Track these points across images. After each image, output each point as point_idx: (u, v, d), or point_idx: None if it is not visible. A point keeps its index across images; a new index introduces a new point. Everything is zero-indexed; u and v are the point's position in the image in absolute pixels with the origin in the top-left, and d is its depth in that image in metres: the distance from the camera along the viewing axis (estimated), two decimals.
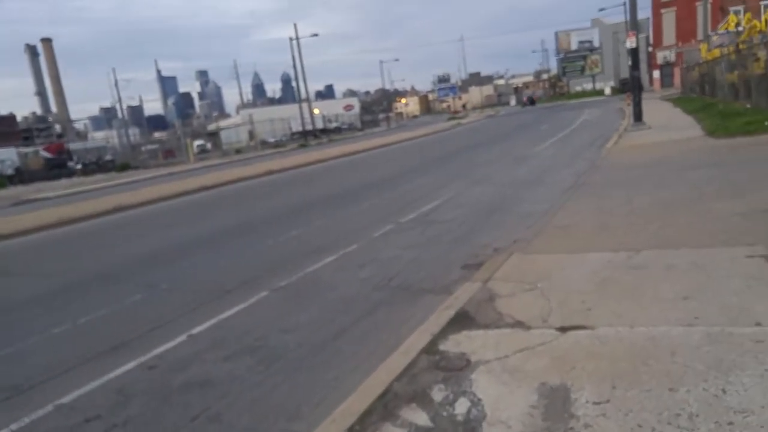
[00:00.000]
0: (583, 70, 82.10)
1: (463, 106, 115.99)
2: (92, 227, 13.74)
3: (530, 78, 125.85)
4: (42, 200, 24.05)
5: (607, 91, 69.73)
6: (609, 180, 9.96)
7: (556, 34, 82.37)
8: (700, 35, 41.68)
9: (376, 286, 6.21)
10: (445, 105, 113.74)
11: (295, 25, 53.66)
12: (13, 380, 4.83)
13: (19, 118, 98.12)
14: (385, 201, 11.88)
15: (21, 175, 38.95)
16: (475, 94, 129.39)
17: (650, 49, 59.20)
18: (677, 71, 50.54)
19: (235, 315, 5.86)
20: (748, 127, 13.36)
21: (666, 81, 55.19)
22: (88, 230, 13.41)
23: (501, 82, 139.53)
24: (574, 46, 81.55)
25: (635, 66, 19.51)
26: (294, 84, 59.76)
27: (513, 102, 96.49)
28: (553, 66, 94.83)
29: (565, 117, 34.28)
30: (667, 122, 19.53)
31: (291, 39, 53.69)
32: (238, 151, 50.90)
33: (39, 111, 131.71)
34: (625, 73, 55.61)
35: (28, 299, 7.64)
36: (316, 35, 55.88)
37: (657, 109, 27.13)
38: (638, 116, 19.58)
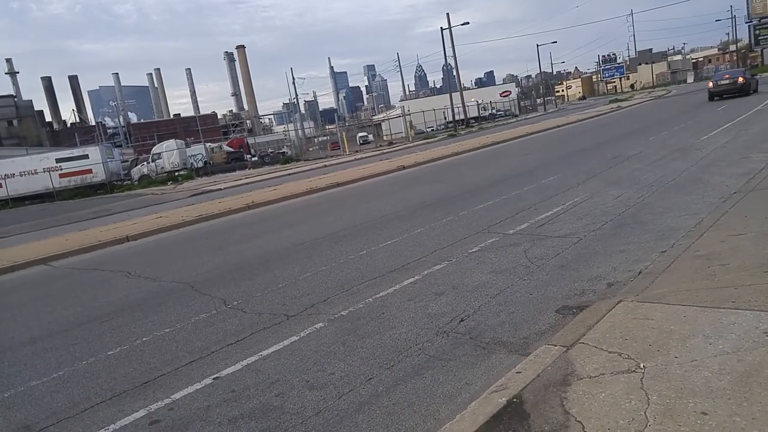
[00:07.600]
0: None
1: (631, 86, 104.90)
2: (221, 225, 14.12)
3: (714, 51, 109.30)
4: (215, 191, 25.99)
5: None
6: None
7: None
8: None
9: (440, 329, 5.01)
10: (611, 86, 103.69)
11: (447, 15, 52.24)
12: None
13: (219, 116, 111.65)
14: (500, 204, 10.38)
15: (206, 168, 43.16)
16: (645, 73, 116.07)
17: None
18: None
19: (276, 353, 5.15)
20: None
21: None
22: (214, 228, 13.79)
23: (677, 57, 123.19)
24: None
25: None
26: (454, 73, 58.45)
27: (690, 79, 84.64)
28: (745, 35, 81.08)
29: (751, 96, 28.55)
30: None
31: (442, 29, 52.58)
32: (390, 143, 51.33)
33: (234, 109, 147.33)
34: None
35: (123, 306, 7.68)
36: (467, 23, 53.79)
37: None
38: None
